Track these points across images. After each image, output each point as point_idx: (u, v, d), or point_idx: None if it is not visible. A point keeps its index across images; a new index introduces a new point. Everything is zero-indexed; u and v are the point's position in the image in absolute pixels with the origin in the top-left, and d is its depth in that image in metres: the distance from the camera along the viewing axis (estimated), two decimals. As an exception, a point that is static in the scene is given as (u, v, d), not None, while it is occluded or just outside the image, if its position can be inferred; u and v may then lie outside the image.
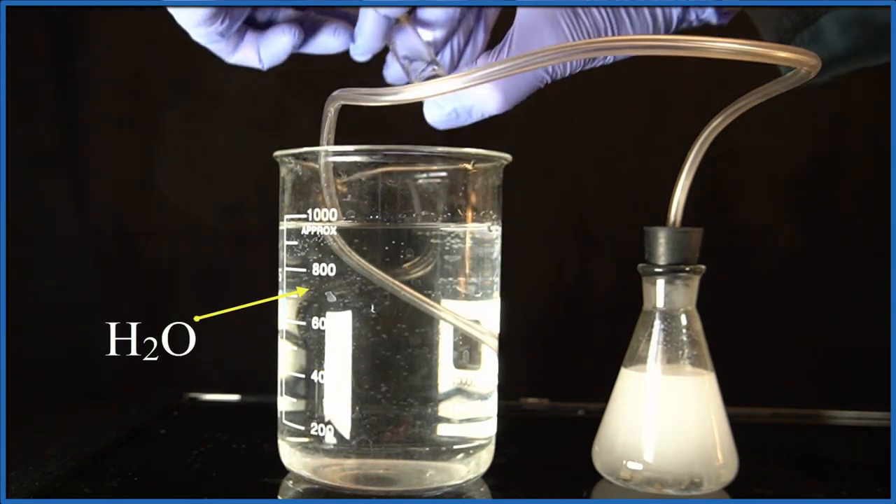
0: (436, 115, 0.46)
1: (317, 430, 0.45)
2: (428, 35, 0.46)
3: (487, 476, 0.48)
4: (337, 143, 0.44)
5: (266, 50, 0.46)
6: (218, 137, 0.92)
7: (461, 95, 0.44)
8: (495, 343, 0.47)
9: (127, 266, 0.95)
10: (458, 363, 0.45)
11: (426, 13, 0.46)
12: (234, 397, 0.68)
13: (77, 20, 0.91)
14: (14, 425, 0.61)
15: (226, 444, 0.55)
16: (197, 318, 0.61)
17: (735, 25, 0.46)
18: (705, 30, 0.46)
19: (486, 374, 0.47)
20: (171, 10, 0.43)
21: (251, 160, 0.81)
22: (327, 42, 0.47)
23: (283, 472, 0.48)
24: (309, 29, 0.47)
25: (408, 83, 0.46)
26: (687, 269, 0.46)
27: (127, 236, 0.94)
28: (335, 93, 0.43)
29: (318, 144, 0.44)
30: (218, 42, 0.45)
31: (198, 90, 0.92)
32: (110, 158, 0.94)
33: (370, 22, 0.44)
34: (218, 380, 0.91)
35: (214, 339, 0.93)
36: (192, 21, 0.43)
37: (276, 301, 0.48)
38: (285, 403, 0.47)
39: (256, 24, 0.46)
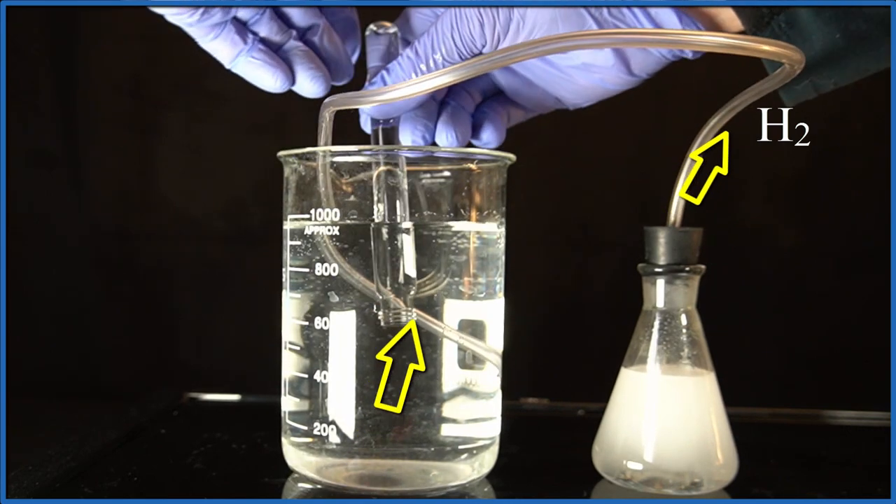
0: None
1: (321, 430, 0.45)
2: None
3: (490, 476, 0.48)
4: (342, 142, 0.45)
5: (243, 68, 0.45)
6: (219, 137, 0.92)
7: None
8: (498, 360, 0.48)
9: (127, 266, 0.95)
10: (463, 363, 0.45)
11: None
12: (234, 397, 0.68)
13: (77, 20, 0.91)
14: (14, 425, 0.61)
15: (226, 444, 0.55)
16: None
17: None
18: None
19: (490, 374, 0.47)
20: None
21: (252, 160, 0.82)
22: (303, 86, 0.46)
23: (283, 471, 0.48)
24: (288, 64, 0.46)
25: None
26: (687, 269, 0.46)
27: (127, 236, 0.94)
28: (328, 99, 0.44)
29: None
30: (191, 27, 0.43)
31: (198, 90, 0.92)
32: (110, 158, 0.93)
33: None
34: (218, 380, 0.91)
35: (215, 339, 0.94)
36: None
37: (278, 301, 0.48)
38: (289, 403, 0.47)
39: (242, 22, 0.45)
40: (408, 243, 0.44)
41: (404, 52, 0.45)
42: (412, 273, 0.44)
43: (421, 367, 0.44)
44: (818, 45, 0.42)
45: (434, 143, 0.48)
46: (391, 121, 0.46)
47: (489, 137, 0.49)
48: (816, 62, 0.42)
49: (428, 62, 0.44)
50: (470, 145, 0.49)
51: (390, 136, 0.46)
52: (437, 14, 0.47)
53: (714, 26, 0.44)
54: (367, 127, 0.47)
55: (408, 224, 0.44)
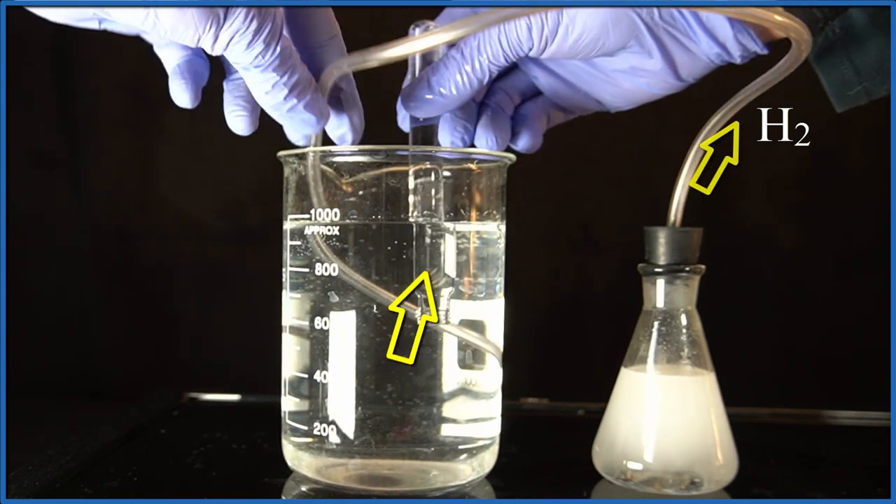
0: None
1: (321, 430, 0.45)
2: None
3: (489, 476, 0.48)
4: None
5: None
6: (219, 137, 0.92)
7: None
8: (499, 354, 0.47)
9: (127, 266, 0.95)
10: (463, 363, 0.45)
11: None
12: (234, 397, 0.68)
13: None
14: (14, 425, 0.61)
15: (226, 444, 0.55)
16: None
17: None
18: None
19: (490, 374, 0.47)
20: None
21: (252, 160, 0.81)
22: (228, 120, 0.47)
23: (283, 471, 0.48)
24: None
25: None
26: (687, 269, 0.46)
27: (127, 236, 0.94)
28: (326, 71, 0.43)
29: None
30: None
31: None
32: (110, 158, 0.93)
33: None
34: (218, 380, 0.91)
35: (215, 339, 0.94)
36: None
37: (278, 301, 0.48)
38: (289, 403, 0.47)
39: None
40: (450, 244, 0.44)
41: (450, 52, 0.44)
42: (452, 273, 0.44)
43: (433, 318, 0.43)
44: (873, 51, 0.42)
45: (472, 146, 0.48)
46: (430, 120, 0.46)
47: (525, 144, 0.49)
48: (871, 68, 0.42)
49: (473, 64, 0.43)
50: (508, 149, 0.49)
51: (429, 135, 0.46)
52: (477, 12, 0.46)
53: (765, 31, 0.43)
54: (405, 125, 0.47)
55: (450, 224, 0.44)
